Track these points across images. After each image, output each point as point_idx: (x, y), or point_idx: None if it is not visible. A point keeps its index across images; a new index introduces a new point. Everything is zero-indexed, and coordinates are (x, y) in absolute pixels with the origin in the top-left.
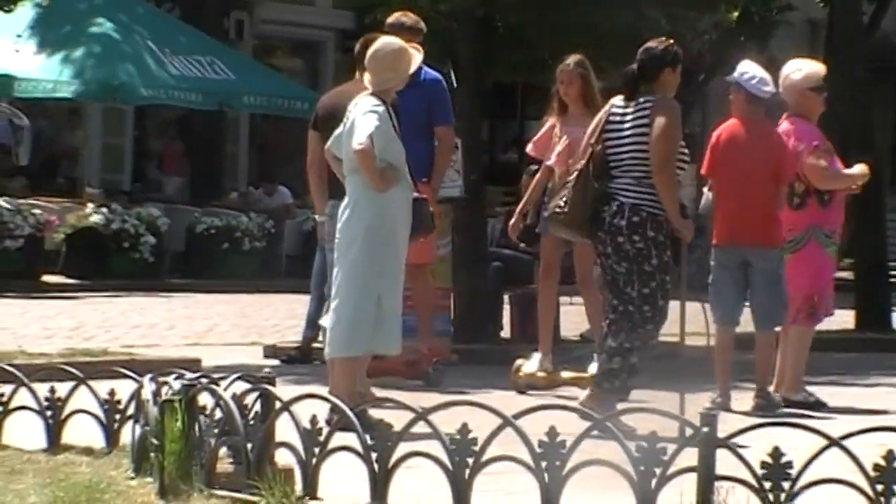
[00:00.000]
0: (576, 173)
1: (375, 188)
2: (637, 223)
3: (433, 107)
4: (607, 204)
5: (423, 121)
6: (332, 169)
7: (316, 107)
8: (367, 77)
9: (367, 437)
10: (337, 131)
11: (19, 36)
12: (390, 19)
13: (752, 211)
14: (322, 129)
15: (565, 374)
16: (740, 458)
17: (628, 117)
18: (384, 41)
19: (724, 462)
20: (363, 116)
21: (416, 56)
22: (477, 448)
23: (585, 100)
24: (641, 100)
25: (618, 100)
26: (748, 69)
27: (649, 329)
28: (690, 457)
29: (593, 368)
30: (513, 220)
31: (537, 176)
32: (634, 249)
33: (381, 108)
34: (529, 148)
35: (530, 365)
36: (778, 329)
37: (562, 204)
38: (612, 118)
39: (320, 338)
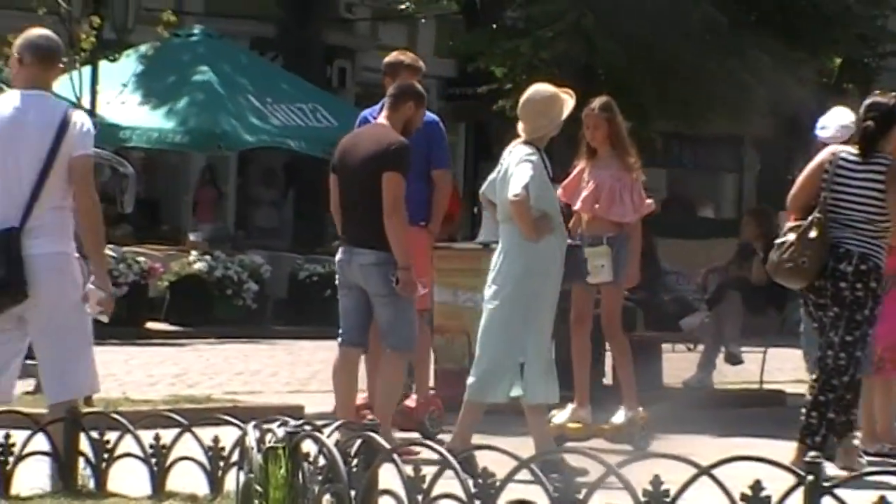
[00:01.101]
0: (809, 220)
1: (529, 238)
2: (864, 272)
3: (431, 149)
4: (832, 251)
5: (422, 163)
6: (486, 210)
7: (336, 149)
8: (520, 125)
9: (471, 484)
10: (490, 176)
11: (124, 85)
12: (389, 59)
13: None
14: (339, 172)
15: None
16: None
17: (860, 171)
18: (536, 88)
19: None
20: (518, 166)
21: (569, 102)
22: (581, 496)
23: (612, 142)
24: (878, 157)
25: (845, 152)
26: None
27: (843, 380)
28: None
29: (619, 418)
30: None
31: (570, 223)
32: (853, 297)
33: (536, 157)
34: (559, 193)
35: (562, 415)
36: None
37: (787, 255)
38: (840, 170)
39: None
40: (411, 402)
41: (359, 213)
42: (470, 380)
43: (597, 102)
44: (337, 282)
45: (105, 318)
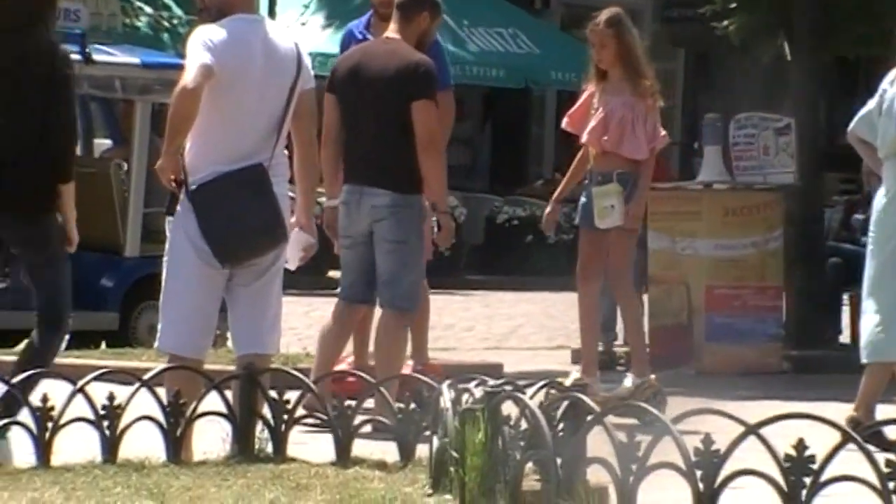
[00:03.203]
0: None
1: None
2: None
3: None
4: None
5: None
6: (859, 152)
7: (334, 65)
8: None
9: (691, 454)
10: (862, 111)
11: (306, 7)
12: None
13: None
14: (344, 96)
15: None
16: None
17: None
18: None
19: None
20: None
21: None
22: (815, 467)
23: (623, 63)
24: None
25: None
26: None
27: None
28: None
29: (624, 387)
30: (548, 210)
31: (578, 156)
32: None
33: None
34: (565, 122)
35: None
36: None
37: None
38: None
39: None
40: (407, 369)
41: (372, 146)
42: (863, 340)
43: (603, 15)
44: (340, 230)
45: (292, 266)
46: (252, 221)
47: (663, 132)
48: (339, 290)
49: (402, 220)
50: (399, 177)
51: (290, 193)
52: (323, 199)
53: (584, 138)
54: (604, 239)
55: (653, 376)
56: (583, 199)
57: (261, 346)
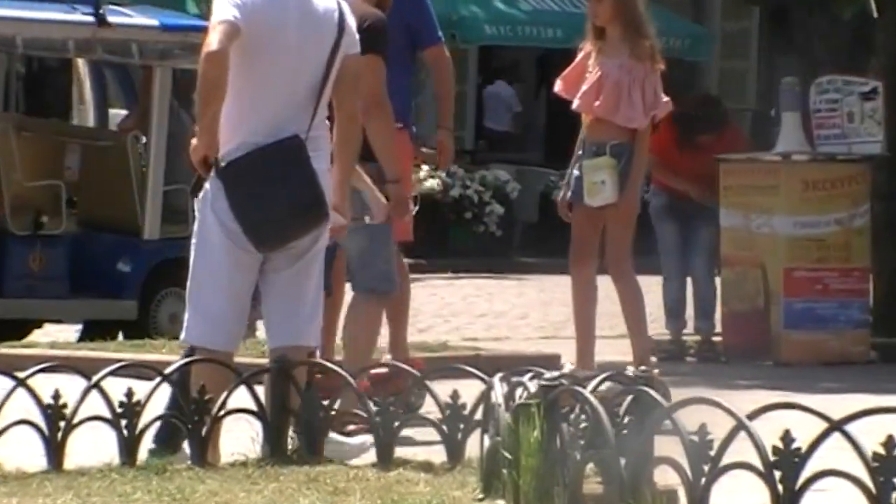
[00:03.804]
0: None
1: None
2: None
3: (415, 25)
4: None
5: (402, 45)
6: None
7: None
8: None
9: (770, 453)
10: None
11: None
12: None
13: None
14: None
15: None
16: None
17: None
18: None
19: None
20: None
21: None
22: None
23: (622, 21)
24: None
25: None
26: None
27: None
28: None
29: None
30: (560, 196)
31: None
32: None
33: None
34: (557, 86)
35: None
36: None
37: None
38: None
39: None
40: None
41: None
42: None
43: None
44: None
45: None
46: (288, 200)
47: (665, 98)
48: None
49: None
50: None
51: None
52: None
53: (574, 104)
54: (599, 216)
55: (656, 371)
56: (575, 173)
57: (297, 338)
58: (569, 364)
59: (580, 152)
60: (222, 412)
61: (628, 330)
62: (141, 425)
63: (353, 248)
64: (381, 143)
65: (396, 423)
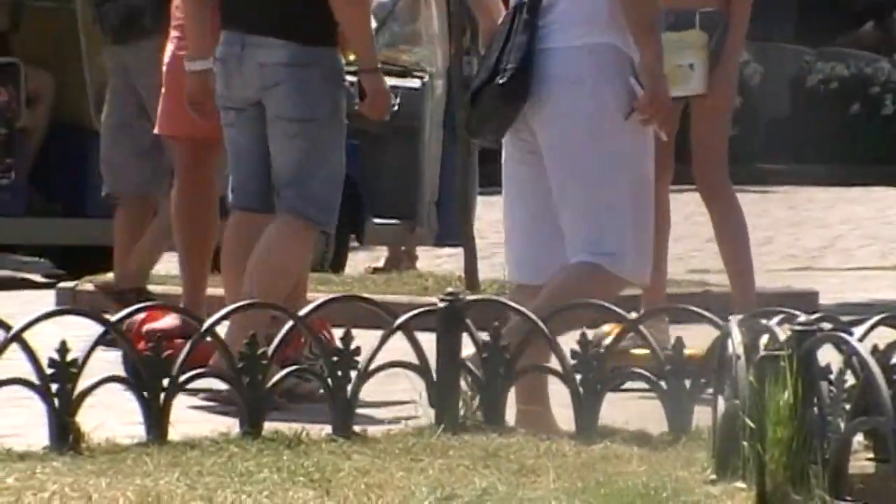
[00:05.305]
0: None
1: None
2: None
3: None
4: None
5: None
6: None
7: None
8: None
9: None
10: None
11: None
12: None
13: None
14: None
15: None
16: None
17: None
18: None
19: None
20: None
21: None
22: None
23: None
24: None
25: None
26: None
27: None
28: None
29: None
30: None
31: None
32: None
33: None
34: None
35: None
36: None
37: None
38: None
39: None
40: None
41: None
42: None
43: None
44: (217, 101)
45: None
46: None
47: None
48: (229, 192)
49: (306, 86)
50: (301, 19)
51: None
52: None
53: None
54: (676, 113)
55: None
56: None
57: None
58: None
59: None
60: (372, 366)
61: (725, 264)
62: (270, 382)
63: (282, 161)
64: (354, 20)
65: (598, 386)
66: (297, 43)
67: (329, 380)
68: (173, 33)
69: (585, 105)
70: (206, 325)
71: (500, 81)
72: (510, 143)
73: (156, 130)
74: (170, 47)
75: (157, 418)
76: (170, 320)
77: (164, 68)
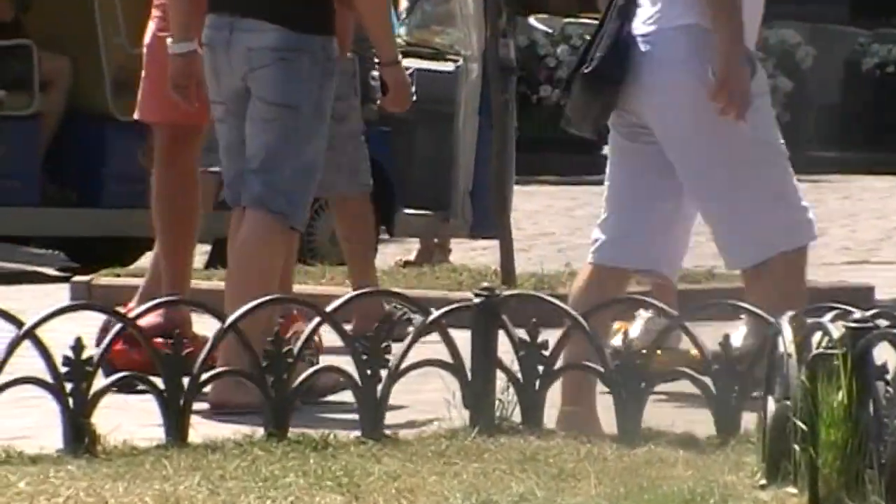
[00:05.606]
0: None
1: None
2: None
3: None
4: None
5: None
6: None
7: None
8: None
9: None
10: None
11: None
12: None
13: None
14: None
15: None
16: None
17: None
18: None
19: None
20: None
21: None
22: None
23: None
24: None
25: None
26: None
27: None
28: None
29: (738, 339)
30: None
31: None
32: None
33: None
34: None
35: (635, 328)
36: None
37: None
38: None
39: None
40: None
41: None
42: None
43: None
44: (210, 93)
45: None
46: None
47: None
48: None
49: (292, 71)
50: (293, 4)
51: None
52: None
53: None
54: None
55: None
56: None
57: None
58: (643, 312)
59: None
60: (403, 364)
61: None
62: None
63: (255, 145)
64: (377, 20)
65: (642, 384)
66: (287, 28)
67: (358, 379)
68: (154, 13)
69: (685, 91)
70: (228, 321)
71: (586, 71)
72: (616, 119)
73: (136, 116)
74: (151, 27)
75: (176, 419)
76: (151, 318)
77: (144, 50)
